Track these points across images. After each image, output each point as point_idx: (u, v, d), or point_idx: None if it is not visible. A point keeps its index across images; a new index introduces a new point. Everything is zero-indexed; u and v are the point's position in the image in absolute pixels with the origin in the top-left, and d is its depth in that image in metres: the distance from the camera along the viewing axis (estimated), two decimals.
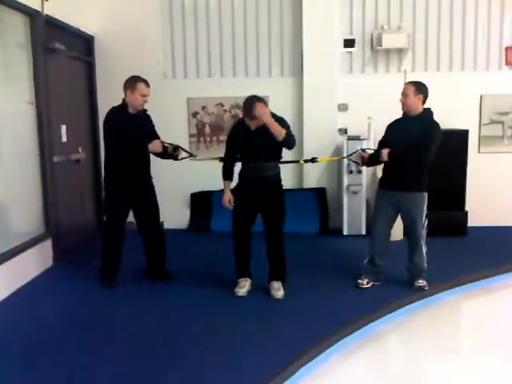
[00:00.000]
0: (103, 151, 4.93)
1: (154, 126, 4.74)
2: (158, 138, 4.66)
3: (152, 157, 4.69)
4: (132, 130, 4.45)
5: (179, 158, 4.75)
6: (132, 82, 4.47)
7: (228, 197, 4.43)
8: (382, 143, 4.58)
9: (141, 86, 4.46)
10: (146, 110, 4.65)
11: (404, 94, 4.43)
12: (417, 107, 4.43)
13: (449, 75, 6.63)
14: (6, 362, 3.40)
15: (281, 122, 4.25)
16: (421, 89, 4.42)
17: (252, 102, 4.19)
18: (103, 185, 4.79)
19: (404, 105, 4.45)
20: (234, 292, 4.43)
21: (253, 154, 4.30)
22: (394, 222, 4.67)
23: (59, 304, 4.41)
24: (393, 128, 4.61)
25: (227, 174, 4.49)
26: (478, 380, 3.34)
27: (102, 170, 6.03)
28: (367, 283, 4.63)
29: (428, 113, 4.48)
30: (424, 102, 4.46)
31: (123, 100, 4.52)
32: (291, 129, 4.36)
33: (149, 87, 4.51)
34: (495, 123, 6.69)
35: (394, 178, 4.48)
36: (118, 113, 4.50)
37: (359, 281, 4.63)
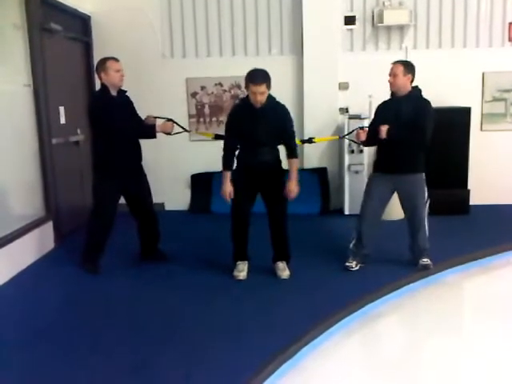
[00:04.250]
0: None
1: (134, 107, 4.67)
2: (141, 120, 4.61)
3: (146, 140, 4.60)
4: (120, 113, 4.39)
5: (172, 132, 4.65)
6: (102, 64, 4.43)
7: (228, 189, 4.25)
8: (373, 126, 4.48)
9: (110, 63, 4.41)
10: (125, 91, 4.58)
11: (393, 74, 4.33)
12: (406, 87, 4.35)
13: (451, 52, 6.53)
14: (5, 346, 3.40)
15: (289, 123, 4.30)
16: (409, 69, 4.34)
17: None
18: (93, 170, 4.69)
19: (393, 85, 4.36)
20: (233, 275, 4.42)
21: (254, 137, 4.20)
22: (387, 204, 4.60)
23: (60, 287, 4.42)
24: (383, 109, 4.52)
25: (228, 163, 4.28)
26: (479, 359, 3.34)
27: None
28: (356, 265, 4.58)
29: (417, 91, 4.40)
30: (412, 82, 4.38)
31: (102, 85, 4.46)
32: (292, 117, 4.38)
33: (119, 62, 4.45)
34: (498, 100, 6.62)
35: (392, 160, 4.41)
36: (102, 97, 4.44)
37: (347, 264, 4.56)
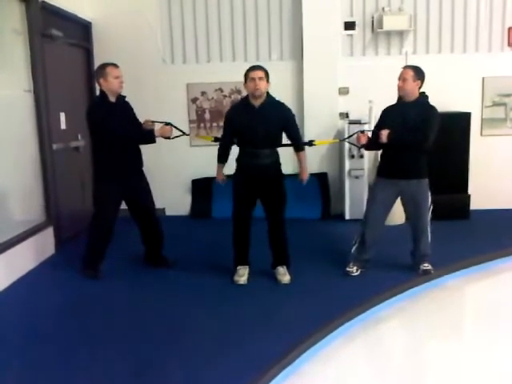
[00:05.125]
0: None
1: (134, 112, 4.67)
2: (141, 124, 4.60)
3: (146, 145, 4.57)
4: (119, 120, 4.38)
5: (172, 136, 4.63)
6: (101, 70, 4.41)
7: (221, 175, 4.53)
8: (378, 129, 4.45)
9: (110, 69, 4.39)
10: (124, 97, 4.56)
11: (402, 79, 4.31)
12: (414, 92, 4.33)
13: (450, 57, 6.55)
14: (5, 351, 3.39)
15: (292, 118, 4.39)
16: (419, 74, 4.32)
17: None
18: (93, 176, 4.68)
19: (401, 89, 4.34)
20: (233, 280, 4.42)
21: (253, 137, 4.20)
22: (391, 209, 4.59)
23: (61, 292, 4.41)
24: (389, 113, 4.49)
25: (221, 158, 4.50)
26: (481, 364, 3.33)
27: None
28: (356, 270, 4.57)
29: (424, 97, 4.39)
30: (420, 88, 4.36)
31: (100, 91, 4.45)
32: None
33: (118, 68, 4.43)
34: (498, 105, 6.63)
35: (396, 165, 4.39)
36: (101, 104, 4.42)
37: (348, 269, 4.55)
